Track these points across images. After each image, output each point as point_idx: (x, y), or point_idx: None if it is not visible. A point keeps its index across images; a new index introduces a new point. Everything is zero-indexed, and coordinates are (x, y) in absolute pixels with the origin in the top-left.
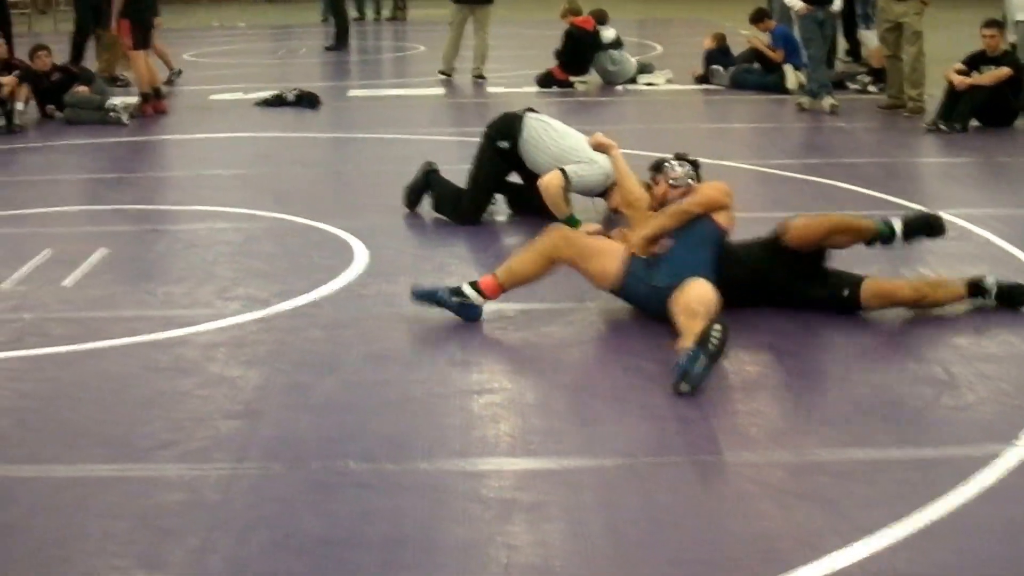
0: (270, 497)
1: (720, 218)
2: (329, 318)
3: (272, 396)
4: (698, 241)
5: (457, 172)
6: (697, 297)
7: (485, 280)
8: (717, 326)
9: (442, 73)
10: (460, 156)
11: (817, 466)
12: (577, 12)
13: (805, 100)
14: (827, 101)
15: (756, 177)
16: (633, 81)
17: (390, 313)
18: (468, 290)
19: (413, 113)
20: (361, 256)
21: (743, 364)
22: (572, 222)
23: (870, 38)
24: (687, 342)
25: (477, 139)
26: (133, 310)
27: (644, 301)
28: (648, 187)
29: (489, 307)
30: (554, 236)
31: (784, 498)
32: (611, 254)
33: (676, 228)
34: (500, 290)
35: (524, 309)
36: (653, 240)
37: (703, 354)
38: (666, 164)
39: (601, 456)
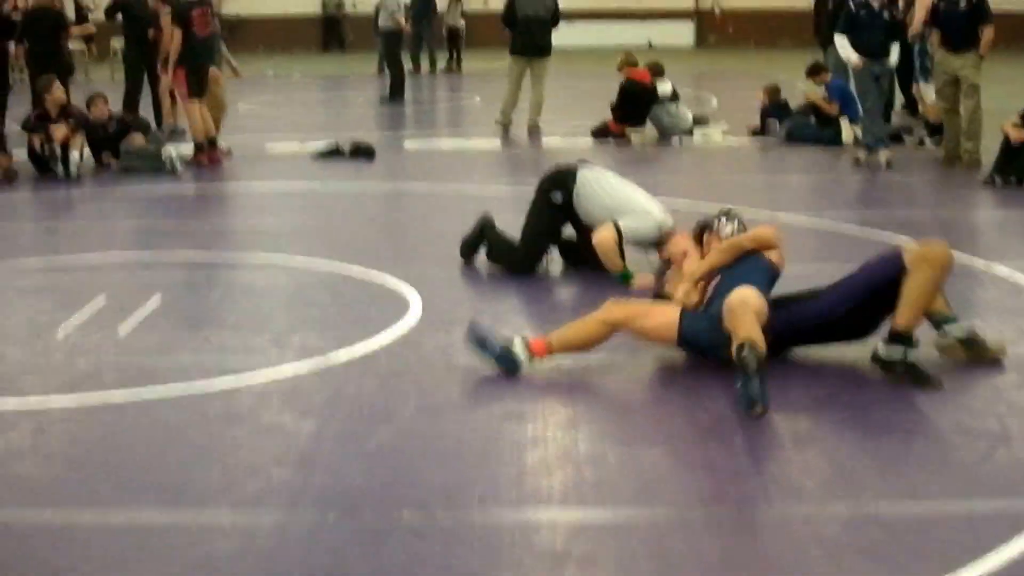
0: (323, 545)
1: (772, 255)
2: (384, 368)
3: (326, 445)
4: (750, 272)
5: (513, 223)
6: (741, 299)
7: (537, 343)
8: (743, 349)
9: (499, 124)
10: (516, 208)
11: (870, 518)
12: (634, 64)
13: (861, 154)
14: (883, 155)
15: (811, 230)
16: (689, 134)
17: (445, 363)
18: (519, 347)
19: (469, 164)
20: (416, 306)
21: (795, 416)
22: (625, 276)
23: (927, 92)
24: (734, 345)
25: (533, 191)
26: (188, 357)
27: (706, 337)
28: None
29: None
30: (607, 303)
31: (837, 550)
32: (666, 306)
33: (728, 264)
34: (548, 354)
35: (578, 360)
36: (707, 277)
37: (748, 378)
38: (715, 221)
39: (653, 507)
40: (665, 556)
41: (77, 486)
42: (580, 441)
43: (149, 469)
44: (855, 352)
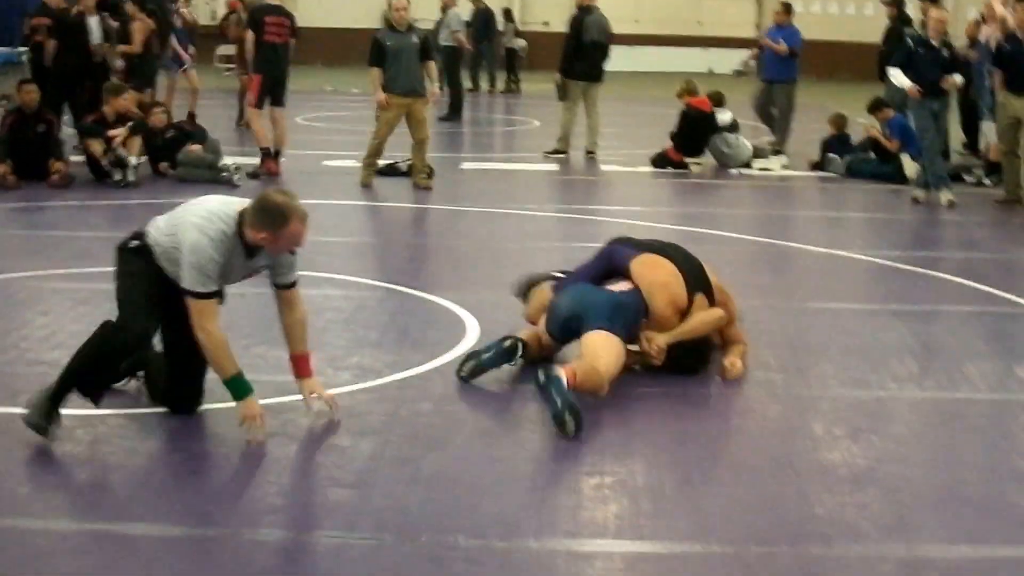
0: (379, 568)
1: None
2: (441, 391)
3: (382, 467)
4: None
5: (566, 250)
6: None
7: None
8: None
9: (556, 152)
10: (571, 234)
11: (927, 562)
12: (694, 93)
13: (920, 192)
14: (944, 196)
15: (867, 268)
16: (748, 165)
17: (502, 389)
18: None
19: (526, 188)
20: (473, 330)
21: (853, 456)
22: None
23: (990, 131)
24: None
25: (589, 216)
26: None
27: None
28: None
29: None
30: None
31: None
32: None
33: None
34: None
35: (638, 391)
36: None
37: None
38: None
39: (709, 543)
40: None
41: (133, 497)
42: (637, 473)
43: (203, 483)
44: (925, 395)
